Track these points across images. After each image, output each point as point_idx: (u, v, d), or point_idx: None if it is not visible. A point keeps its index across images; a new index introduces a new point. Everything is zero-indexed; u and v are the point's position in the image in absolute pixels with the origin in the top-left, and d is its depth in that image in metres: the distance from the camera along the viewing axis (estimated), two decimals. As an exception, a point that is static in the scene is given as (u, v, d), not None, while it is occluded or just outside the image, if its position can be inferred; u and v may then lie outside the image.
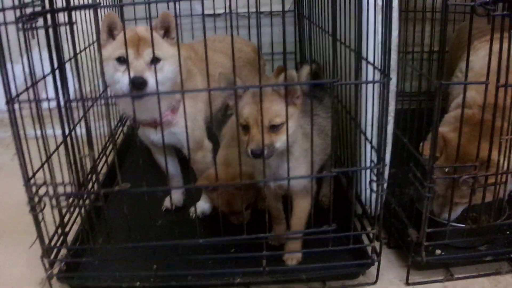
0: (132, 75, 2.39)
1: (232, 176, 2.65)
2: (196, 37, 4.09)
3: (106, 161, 3.63)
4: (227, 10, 4.40)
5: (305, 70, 2.88)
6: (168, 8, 3.93)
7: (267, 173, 2.38)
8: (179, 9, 4.24)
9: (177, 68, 2.41)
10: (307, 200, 2.58)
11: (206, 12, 4.26)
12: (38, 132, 2.31)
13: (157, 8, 3.55)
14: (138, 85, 2.42)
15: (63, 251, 2.59)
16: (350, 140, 2.90)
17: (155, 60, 2.47)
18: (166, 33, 2.65)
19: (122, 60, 2.51)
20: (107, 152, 3.69)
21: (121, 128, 4.18)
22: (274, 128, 2.25)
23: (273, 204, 2.68)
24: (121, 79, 2.50)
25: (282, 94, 2.25)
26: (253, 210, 2.89)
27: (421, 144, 2.50)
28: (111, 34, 2.59)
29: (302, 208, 2.59)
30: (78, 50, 2.19)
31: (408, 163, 2.49)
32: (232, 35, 2.16)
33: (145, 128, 2.81)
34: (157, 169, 3.08)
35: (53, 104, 2.19)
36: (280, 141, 2.28)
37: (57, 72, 2.15)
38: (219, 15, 4.45)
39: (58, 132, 2.35)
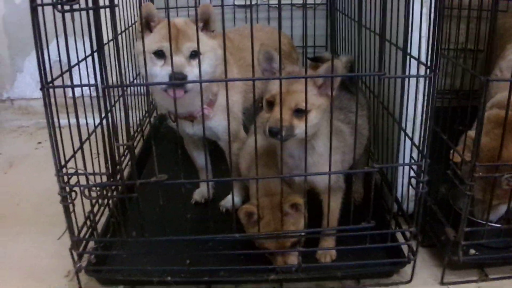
0: (171, 71, 2.26)
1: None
2: (226, 28, 3.96)
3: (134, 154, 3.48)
4: (259, 1, 4.29)
5: (344, 59, 2.76)
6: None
7: (290, 164, 2.31)
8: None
9: (216, 61, 2.37)
10: (335, 198, 2.46)
11: (237, 2, 4.22)
12: (70, 121, 2.20)
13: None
14: (177, 80, 2.30)
15: (91, 243, 2.48)
16: (385, 136, 2.77)
17: (197, 55, 2.34)
18: (205, 25, 2.53)
19: (160, 54, 2.41)
20: (135, 143, 3.58)
21: (148, 120, 4.04)
22: (298, 112, 2.12)
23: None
24: (159, 74, 2.39)
25: (318, 82, 2.16)
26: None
27: (451, 151, 2.45)
28: (148, 26, 2.48)
29: (331, 207, 2.45)
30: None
31: (443, 161, 2.42)
32: (279, 26, 2.03)
33: (181, 121, 2.68)
34: (185, 161, 2.91)
35: (86, 91, 2.08)
36: (301, 128, 2.12)
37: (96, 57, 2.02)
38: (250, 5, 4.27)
39: (90, 120, 2.30)
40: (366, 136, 2.72)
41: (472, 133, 2.29)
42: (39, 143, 4.28)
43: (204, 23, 2.53)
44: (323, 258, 2.55)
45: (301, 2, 4.25)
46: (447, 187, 2.76)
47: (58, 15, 1.97)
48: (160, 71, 2.39)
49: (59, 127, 2.17)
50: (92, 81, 2.00)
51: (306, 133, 2.11)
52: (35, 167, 3.79)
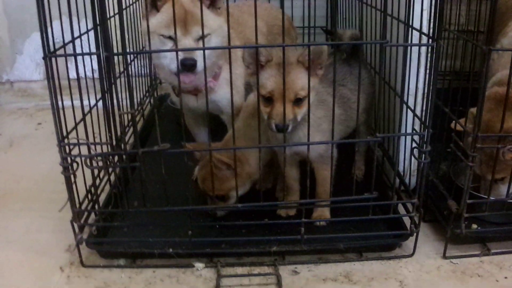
0: (181, 56, 2.28)
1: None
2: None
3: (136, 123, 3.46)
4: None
5: (348, 33, 2.77)
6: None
7: (281, 138, 2.28)
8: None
9: (223, 38, 2.38)
10: (326, 167, 2.46)
11: None
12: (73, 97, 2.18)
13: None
14: (189, 66, 2.32)
15: (92, 216, 2.47)
16: (386, 110, 2.75)
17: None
18: (212, 2, 2.52)
19: (169, 36, 2.39)
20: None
21: (148, 100, 4.03)
22: (298, 101, 2.17)
23: (288, 172, 2.52)
24: (169, 56, 2.38)
25: (307, 64, 2.16)
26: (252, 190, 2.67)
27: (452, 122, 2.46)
28: (155, 5, 2.45)
29: (322, 176, 2.50)
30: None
31: (444, 139, 2.44)
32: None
33: (185, 96, 2.66)
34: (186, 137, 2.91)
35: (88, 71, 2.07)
36: (301, 113, 2.20)
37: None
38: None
39: (91, 101, 2.31)
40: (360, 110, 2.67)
41: (474, 109, 2.28)
42: (39, 124, 4.23)
43: (211, 1, 2.51)
44: (318, 218, 2.57)
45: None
46: (448, 164, 2.74)
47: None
48: (170, 54, 2.37)
49: (61, 99, 2.14)
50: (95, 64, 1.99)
51: (309, 115, 2.15)
52: (35, 147, 3.77)
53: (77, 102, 2.19)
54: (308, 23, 4.21)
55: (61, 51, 2.12)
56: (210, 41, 2.40)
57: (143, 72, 3.90)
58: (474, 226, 2.54)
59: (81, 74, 2.15)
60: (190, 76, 2.37)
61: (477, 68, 2.97)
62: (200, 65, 2.35)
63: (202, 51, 2.27)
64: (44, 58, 2.04)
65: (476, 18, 3.42)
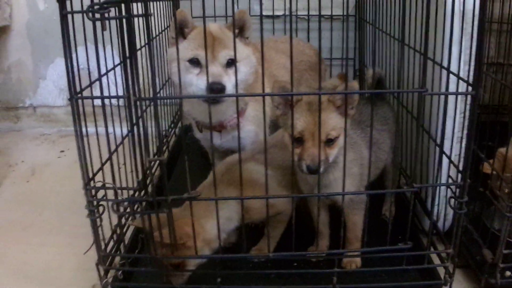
0: (210, 80, 2.20)
1: None
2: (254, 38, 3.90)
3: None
4: (287, 12, 4.18)
5: (369, 73, 2.70)
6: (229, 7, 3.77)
7: (311, 183, 2.24)
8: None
9: (251, 69, 2.31)
10: (357, 213, 2.39)
11: (264, 13, 4.14)
12: (98, 131, 2.10)
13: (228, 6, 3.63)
14: (217, 91, 2.24)
15: (117, 258, 2.37)
16: (418, 154, 2.65)
17: (233, 63, 2.32)
18: (240, 32, 2.45)
19: (195, 62, 2.35)
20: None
21: (173, 130, 3.96)
22: (329, 141, 2.08)
23: (318, 217, 2.42)
24: (195, 83, 2.33)
25: (337, 104, 2.10)
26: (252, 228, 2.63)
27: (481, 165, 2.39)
28: (182, 33, 2.40)
29: (352, 221, 2.40)
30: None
31: (474, 178, 2.25)
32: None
33: (208, 132, 2.56)
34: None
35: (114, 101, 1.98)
36: (332, 154, 2.12)
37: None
38: (278, 16, 4.23)
39: (117, 130, 2.24)
40: (386, 151, 2.61)
41: (503, 150, 2.25)
42: (62, 151, 4.18)
43: (240, 30, 2.45)
44: (348, 265, 2.46)
45: (329, 13, 4.14)
46: (479, 205, 2.62)
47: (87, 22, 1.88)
48: (196, 80, 2.34)
49: (87, 134, 2.07)
50: (120, 91, 1.89)
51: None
52: (58, 176, 3.71)
53: (102, 130, 2.10)
54: (341, 55, 4.19)
55: (87, 91, 2.07)
56: (238, 70, 2.31)
57: (169, 101, 3.84)
58: (508, 273, 2.39)
59: (108, 101, 2.07)
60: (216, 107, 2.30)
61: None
62: (229, 90, 2.30)
63: (230, 76, 2.30)
64: (70, 99, 1.96)
65: (506, 51, 3.32)
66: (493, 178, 2.34)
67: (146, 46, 1.90)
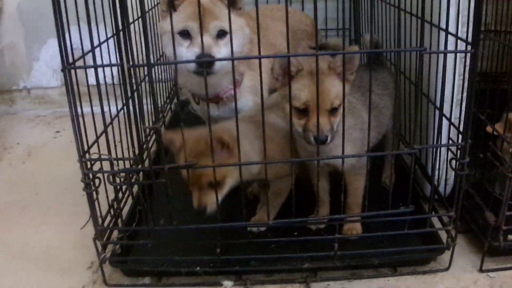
0: (198, 52, 2.18)
1: None
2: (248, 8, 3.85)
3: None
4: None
5: (366, 39, 2.66)
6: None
7: (311, 150, 2.17)
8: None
9: (244, 41, 2.30)
10: (359, 178, 2.36)
11: None
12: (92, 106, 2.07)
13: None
14: (205, 63, 2.18)
15: (115, 233, 2.36)
16: (418, 118, 2.62)
17: (225, 34, 2.31)
18: (232, 2, 2.39)
19: (186, 34, 2.31)
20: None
21: (169, 106, 3.94)
22: (333, 110, 2.04)
23: (319, 184, 2.38)
24: (185, 55, 2.28)
25: (338, 71, 2.04)
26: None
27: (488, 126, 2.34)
28: (172, 4, 2.34)
29: (354, 186, 2.37)
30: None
31: (475, 144, 2.26)
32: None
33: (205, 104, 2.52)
34: None
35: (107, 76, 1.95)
36: (336, 122, 2.07)
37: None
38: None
39: (112, 107, 2.20)
40: (387, 115, 2.57)
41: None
42: (57, 132, 4.14)
43: (231, 1, 2.38)
44: (349, 232, 2.44)
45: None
46: (480, 171, 2.55)
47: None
48: (186, 52, 2.29)
49: (81, 111, 2.03)
50: (115, 70, 1.85)
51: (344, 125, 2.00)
52: (54, 157, 3.68)
53: (96, 109, 2.06)
54: (336, 25, 4.17)
55: (80, 62, 2.01)
56: (229, 41, 2.27)
57: (163, 77, 3.81)
58: (511, 237, 2.35)
59: (101, 80, 2.02)
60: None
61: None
62: (218, 64, 2.26)
63: (220, 47, 2.27)
64: (63, 70, 1.92)
65: (501, 17, 3.29)
66: (498, 141, 2.31)
67: (143, 11, 1.84)
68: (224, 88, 2.40)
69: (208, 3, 2.34)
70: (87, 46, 2.05)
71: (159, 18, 3.31)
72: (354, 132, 2.26)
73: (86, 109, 2.05)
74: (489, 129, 2.34)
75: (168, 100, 3.92)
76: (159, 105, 3.62)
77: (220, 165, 2.01)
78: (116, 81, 2.08)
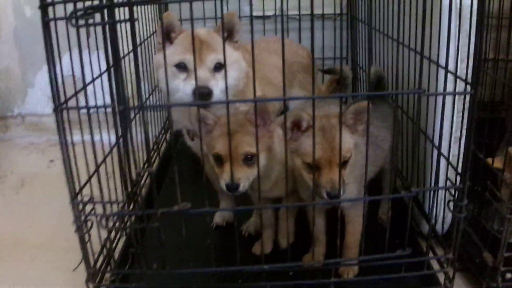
0: (193, 86, 2.17)
1: None
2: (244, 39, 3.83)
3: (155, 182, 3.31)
4: (278, 12, 4.12)
5: (372, 71, 2.64)
6: (219, 9, 3.73)
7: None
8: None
9: (240, 74, 2.28)
10: (358, 216, 2.31)
11: (255, 14, 4.06)
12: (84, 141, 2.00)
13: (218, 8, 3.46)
14: (203, 95, 2.18)
15: (107, 275, 2.30)
16: (415, 156, 2.59)
17: (222, 67, 2.29)
18: (229, 36, 2.39)
19: (182, 67, 2.29)
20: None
21: (164, 136, 3.91)
22: (344, 163, 2.03)
23: (316, 222, 2.39)
24: (182, 88, 2.27)
25: (348, 123, 2.05)
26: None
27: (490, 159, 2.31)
28: (168, 37, 2.33)
29: (353, 225, 2.34)
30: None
31: (472, 179, 2.19)
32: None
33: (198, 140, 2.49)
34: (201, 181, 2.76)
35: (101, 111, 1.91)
36: (346, 174, 2.07)
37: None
38: (268, 17, 4.15)
39: (105, 138, 2.10)
40: (386, 149, 2.54)
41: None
42: (51, 161, 4.15)
43: (228, 34, 2.39)
44: (346, 273, 2.40)
45: (320, 12, 4.09)
46: (477, 207, 2.53)
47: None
48: (183, 85, 2.27)
49: (73, 150, 1.99)
50: (108, 99, 1.81)
51: None
52: (48, 187, 3.66)
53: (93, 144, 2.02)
54: (333, 54, 4.18)
55: (73, 101, 1.97)
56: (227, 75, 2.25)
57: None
58: (509, 275, 2.32)
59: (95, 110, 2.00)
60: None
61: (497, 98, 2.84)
62: (216, 95, 2.26)
63: (217, 80, 2.27)
64: (54, 110, 1.89)
65: (497, 45, 3.27)
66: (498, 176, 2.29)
67: (135, 52, 1.81)
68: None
69: (205, 36, 2.33)
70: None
71: (153, 49, 3.30)
72: (357, 169, 2.21)
73: (79, 138, 2.00)
74: (489, 161, 2.32)
75: (163, 130, 3.88)
76: (155, 136, 3.61)
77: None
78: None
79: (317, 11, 4.07)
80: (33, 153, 4.38)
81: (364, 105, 1.95)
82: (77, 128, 1.98)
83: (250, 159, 2.06)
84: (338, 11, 4.18)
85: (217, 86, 2.24)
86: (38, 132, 4.72)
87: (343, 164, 2.00)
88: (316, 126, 1.98)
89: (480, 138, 2.32)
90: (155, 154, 3.55)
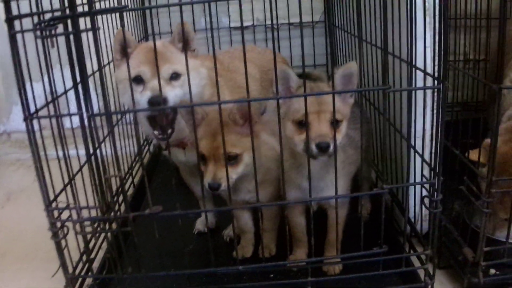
0: (149, 95, 2.24)
1: None
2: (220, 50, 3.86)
3: (132, 182, 3.40)
4: (255, 23, 4.20)
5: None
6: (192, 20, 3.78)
7: (304, 186, 2.18)
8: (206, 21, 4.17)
9: (201, 81, 2.33)
10: (342, 210, 2.38)
11: (233, 25, 4.17)
12: (60, 153, 2.08)
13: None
14: (157, 104, 2.23)
15: (88, 280, 2.36)
16: (392, 154, 2.62)
17: (178, 76, 2.37)
18: (186, 46, 2.44)
19: (139, 80, 2.35)
20: (133, 173, 3.47)
21: (147, 148, 3.97)
22: (336, 123, 2.02)
23: (297, 222, 2.45)
24: (140, 100, 2.32)
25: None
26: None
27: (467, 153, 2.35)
28: (125, 53, 2.37)
29: (338, 222, 2.29)
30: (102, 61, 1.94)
31: (455, 176, 2.31)
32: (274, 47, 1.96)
33: (173, 149, 2.59)
34: (185, 190, 2.84)
35: (76, 122, 1.95)
36: (338, 139, 2.04)
37: (79, 86, 1.88)
38: (246, 27, 4.19)
39: (82, 152, 2.10)
40: (358, 148, 2.56)
41: (489, 141, 2.16)
42: (37, 176, 4.16)
43: (184, 43, 2.45)
44: (331, 270, 2.46)
45: (297, 21, 4.15)
46: (461, 203, 2.62)
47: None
48: (140, 97, 2.32)
49: (46, 160, 2.06)
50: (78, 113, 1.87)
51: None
52: (33, 201, 3.66)
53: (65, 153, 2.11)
54: (313, 61, 4.25)
55: (44, 110, 2.06)
56: (184, 83, 2.33)
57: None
58: (492, 271, 2.38)
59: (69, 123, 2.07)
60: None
61: (481, 98, 2.88)
62: (171, 101, 2.32)
63: (172, 87, 2.33)
64: (24, 120, 1.96)
65: (477, 47, 3.32)
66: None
67: (99, 62, 1.88)
68: (187, 133, 2.43)
69: (160, 47, 2.37)
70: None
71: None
72: (346, 166, 2.30)
73: (53, 152, 2.09)
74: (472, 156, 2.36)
75: (145, 142, 3.93)
76: (137, 148, 3.63)
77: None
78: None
79: (294, 19, 4.15)
80: (20, 169, 4.44)
81: (352, 66, 2.02)
82: (52, 145, 2.07)
83: (233, 158, 2.13)
84: (316, 19, 4.24)
85: (173, 92, 2.30)
86: (24, 148, 4.72)
87: (335, 123, 2.01)
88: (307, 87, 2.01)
89: (464, 138, 2.38)
90: (138, 165, 3.60)
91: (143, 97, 2.29)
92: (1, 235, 3.29)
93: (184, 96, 2.32)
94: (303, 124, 2.02)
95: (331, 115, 1.98)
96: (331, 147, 1.98)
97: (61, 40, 1.82)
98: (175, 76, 2.34)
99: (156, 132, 2.40)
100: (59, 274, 2.22)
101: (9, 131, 4.76)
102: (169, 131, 2.37)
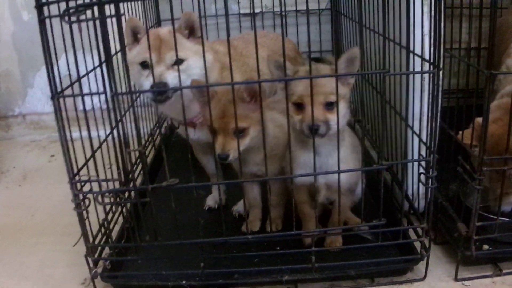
0: (151, 82, 2.34)
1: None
2: (233, 37, 3.99)
3: (146, 160, 3.48)
4: (264, 9, 4.33)
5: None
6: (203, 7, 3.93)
7: (312, 165, 2.26)
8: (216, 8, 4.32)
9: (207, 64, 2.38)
10: (349, 196, 2.53)
11: (242, 11, 4.30)
12: (82, 132, 2.21)
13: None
14: (158, 92, 2.39)
15: (106, 250, 2.51)
16: (392, 134, 2.78)
17: (181, 62, 2.46)
18: (191, 33, 2.59)
19: (146, 65, 2.48)
20: (147, 152, 3.62)
21: (158, 130, 4.13)
22: (329, 105, 2.12)
23: (305, 200, 2.55)
24: (144, 84, 2.47)
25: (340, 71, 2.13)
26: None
27: (460, 132, 2.43)
28: (135, 38, 2.55)
29: (342, 203, 2.46)
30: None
31: (453, 159, 2.40)
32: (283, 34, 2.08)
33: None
34: (196, 169, 2.91)
35: (96, 102, 2.13)
36: (333, 120, 2.12)
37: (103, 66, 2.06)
38: (256, 14, 4.33)
39: (101, 132, 2.33)
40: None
41: (480, 119, 2.26)
42: (52, 156, 4.34)
43: (190, 31, 2.58)
44: (333, 244, 2.58)
45: (304, 8, 4.21)
46: (458, 184, 2.71)
47: (67, 29, 2.01)
48: (145, 82, 2.48)
49: (71, 137, 2.20)
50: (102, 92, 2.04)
51: (338, 128, 2.15)
52: (49, 180, 3.85)
53: (88, 129, 2.22)
54: (319, 47, 4.37)
55: (68, 90, 2.20)
56: (187, 68, 2.48)
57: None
58: (486, 246, 2.53)
59: (94, 105, 2.26)
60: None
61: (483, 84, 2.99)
62: (174, 86, 2.43)
63: (175, 72, 2.40)
64: (52, 98, 2.11)
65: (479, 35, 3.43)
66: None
67: (122, 45, 2.02)
68: (194, 114, 2.61)
69: (165, 35, 2.51)
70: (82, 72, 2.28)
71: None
72: (354, 152, 2.40)
73: (77, 134, 2.22)
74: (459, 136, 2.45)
75: (157, 124, 4.10)
76: (150, 129, 3.85)
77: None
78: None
79: (301, 7, 4.24)
80: (35, 150, 4.57)
81: (355, 51, 2.11)
82: (75, 126, 2.19)
83: (240, 132, 2.30)
84: (322, 6, 4.38)
85: (173, 77, 2.43)
86: (39, 130, 4.93)
87: (328, 105, 2.11)
88: (302, 70, 2.22)
89: (467, 124, 2.47)
90: (150, 145, 3.79)
91: (146, 81, 2.44)
92: (18, 212, 3.40)
93: (187, 79, 2.43)
94: (299, 106, 2.16)
95: (325, 97, 2.10)
96: (322, 130, 2.10)
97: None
98: (180, 61, 2.43)
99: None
100: (77, 247, 2.40)
101: (24, 113, 4.90)
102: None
